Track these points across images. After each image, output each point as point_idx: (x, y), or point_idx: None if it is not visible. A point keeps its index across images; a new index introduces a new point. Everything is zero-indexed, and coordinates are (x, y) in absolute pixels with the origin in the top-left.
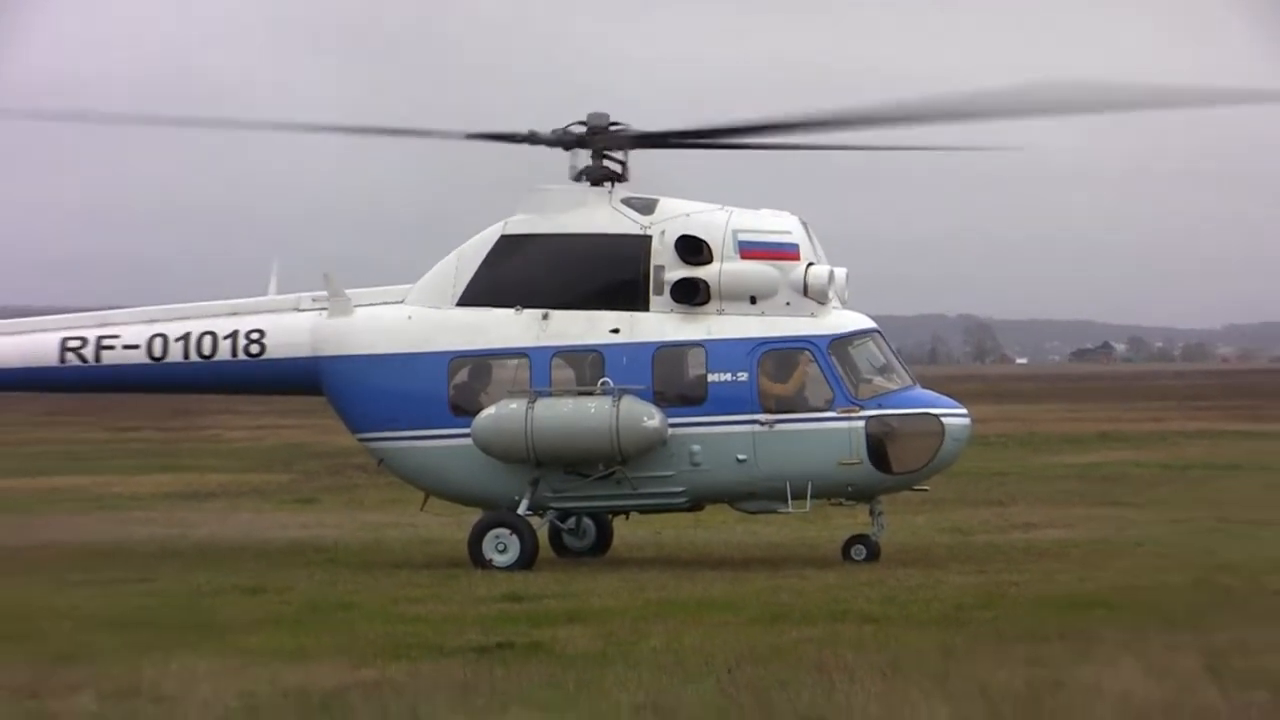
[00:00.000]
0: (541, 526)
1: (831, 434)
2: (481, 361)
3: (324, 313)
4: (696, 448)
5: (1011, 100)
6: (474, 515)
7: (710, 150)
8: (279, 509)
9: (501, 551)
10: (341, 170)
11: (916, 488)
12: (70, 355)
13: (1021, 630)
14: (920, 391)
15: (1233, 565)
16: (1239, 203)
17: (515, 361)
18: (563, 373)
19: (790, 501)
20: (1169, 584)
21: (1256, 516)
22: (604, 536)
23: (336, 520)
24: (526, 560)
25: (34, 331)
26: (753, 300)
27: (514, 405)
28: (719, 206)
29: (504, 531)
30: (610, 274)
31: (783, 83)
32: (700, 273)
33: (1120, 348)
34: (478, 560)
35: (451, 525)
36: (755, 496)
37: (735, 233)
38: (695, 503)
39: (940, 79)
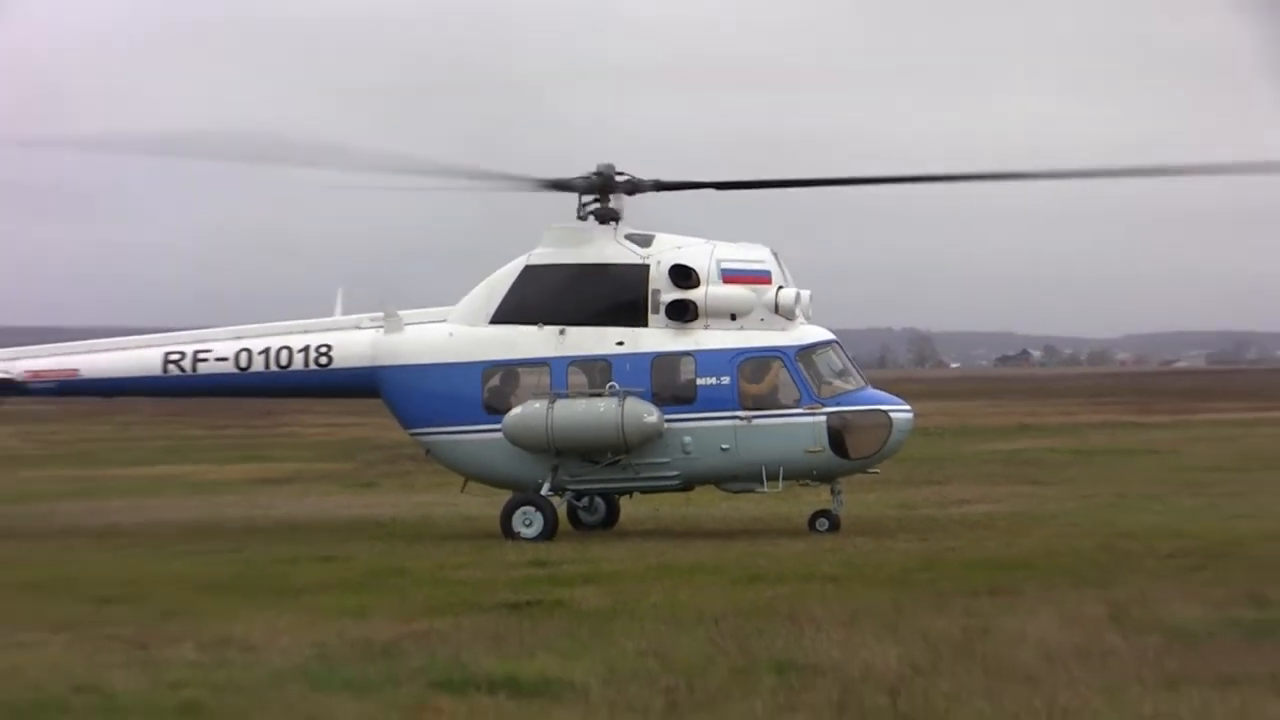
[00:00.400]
0: (561, 505)
1: (799, 427)
2: (510, 369)
3: (380, 330)
4: (688, 439)
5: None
6: (504, 496)
7: (696, 190)
8: (344, 492)
9: (528, 525)
10: (394, 211)
11: (869, 471)
12: (171, 366)
13: (957, 587)
14: (872, 391)
15: (1130, 532)
16: (1136, 231)
17: (538, 369)
18: (577, 378)
19: (765, 483)
20: (1079, 548)
21: (1149, 492)
22: (612, 513)
23: (392, 501)
24: (548, 533)
25: (141, 347)
26: (733, 317)
27: (537, 405)
28: (705, 240)
29: (530, 509)
30: (616, 296)
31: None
32: (690, 295)
33: (1036, 354)
34: (508, 533)
35: (486, 505)
36: (737, 479)
37: (719, 262)
38: (687, 484)
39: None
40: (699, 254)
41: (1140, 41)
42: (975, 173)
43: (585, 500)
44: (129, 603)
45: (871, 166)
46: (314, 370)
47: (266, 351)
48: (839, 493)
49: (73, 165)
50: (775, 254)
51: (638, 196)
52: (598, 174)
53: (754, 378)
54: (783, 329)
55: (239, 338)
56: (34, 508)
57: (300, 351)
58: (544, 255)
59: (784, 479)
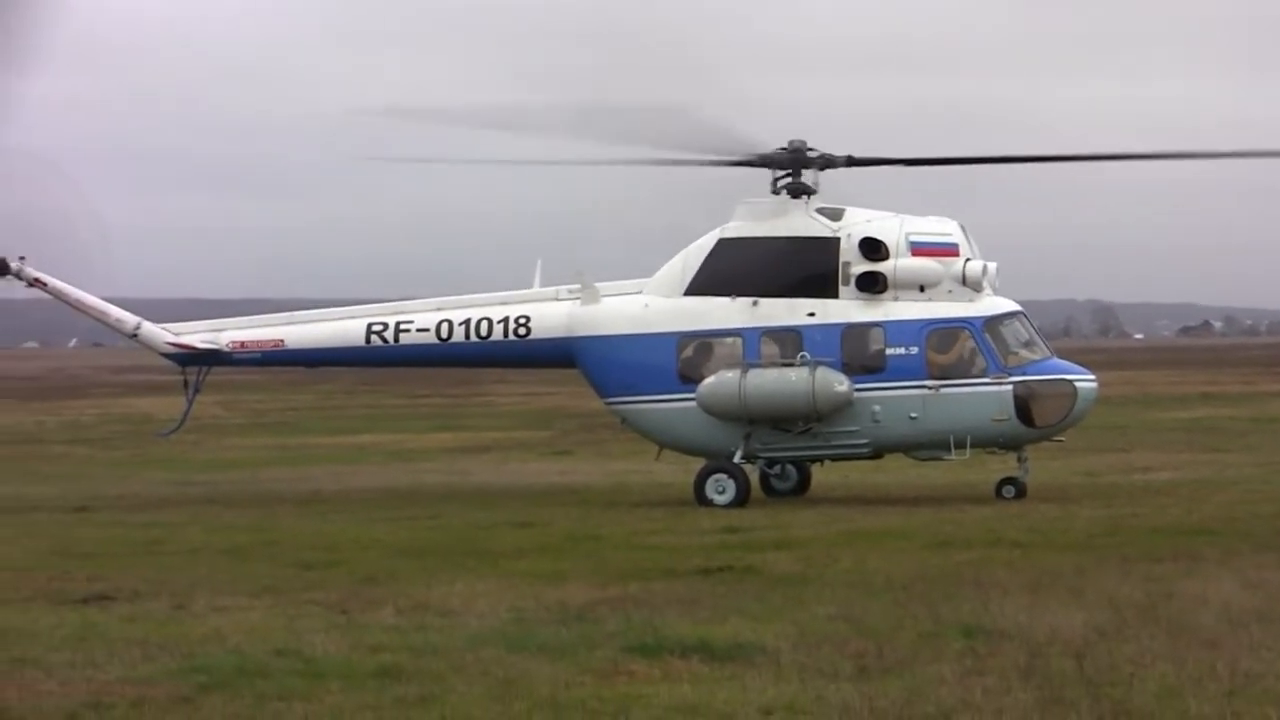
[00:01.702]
0: (753, 472)
1: (986, 396)
2: (704, 340)
3: (577, 302)
4: (877, 408)
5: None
6: (698, 464)
7: (888, 166)
8: (541, 459)
9: (720, 493)
10: (588, 188)
11: (1055, 439)
12: (374, 338)
13: (1140, 553)
14: (1057, 361)
15: None
16: None
17: (731, 339)
18: (769, 348)
19: (953, 450)
20: (1259, 514)
21: None
22: (804, 480)
23: (588, 468)
24: (741, 500)
25: (344, 319)
26: (921, 289)
27: (730, 375)
28: (894, 214)
29: (722, 476)
30: (807, 269)
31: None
32: (880, 267)
33: (1218, 325)
34: (701, 500)
35: (680, 472)
36: (925, 447)
37: (908, 235)
38: (877, 452)
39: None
40: (888, 227)
41: None
42: (1151, 152)
43: (777, 468)
44: (330, 568)
45: (1049, 145)
46: (513, 341)
47: (467, 323)
48: (1024, 460)
49: (271, 145)
50: (963, 227)
51: (832, 172)
52: (790, 150)
53: (942, 348)
54: (970, 300)
55: (440, 309)
56: (238, 475)
57: (500, 322)
58: (738, 229)
59: (971, 447)
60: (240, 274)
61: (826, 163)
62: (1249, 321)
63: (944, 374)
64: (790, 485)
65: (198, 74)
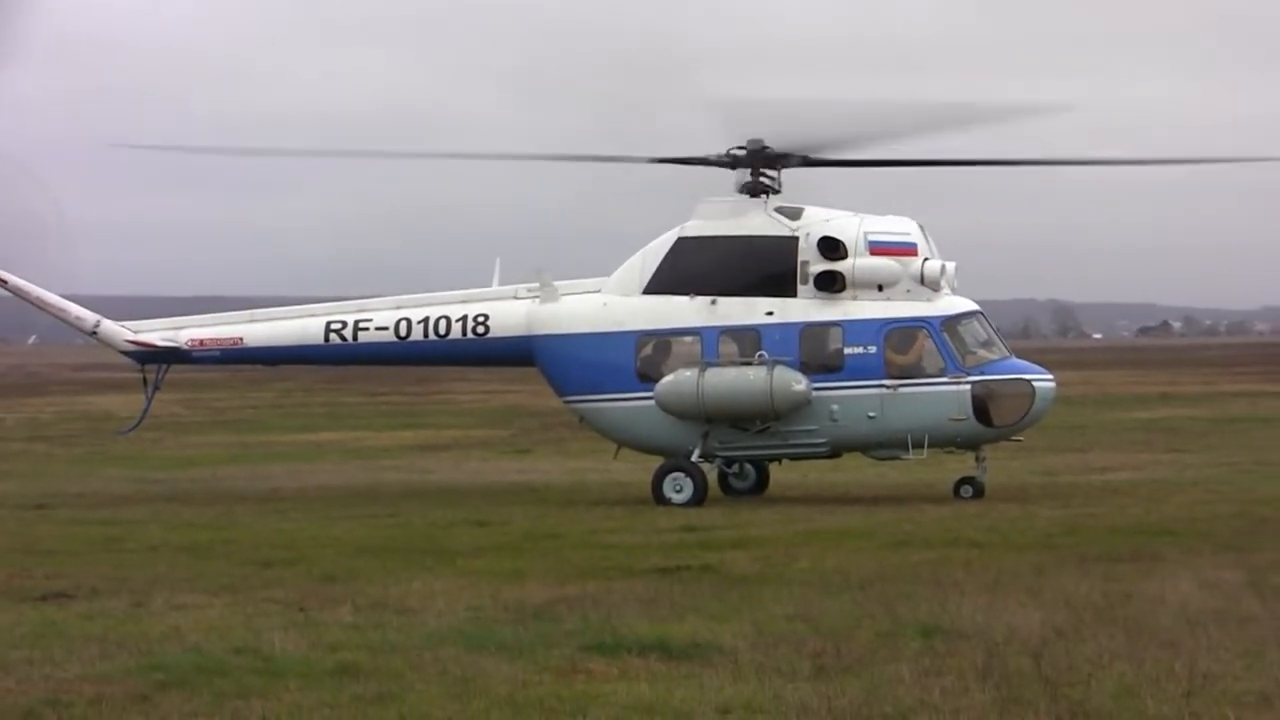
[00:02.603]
0: (711, 471)
1: (944, 396)
2: (663, 339)
3: (536, 300)
4: (835, 407)
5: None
6: (656, 462)
7: (845, 168)
8: (500, 458)
9: (678, 491)
10: (549, 189)
11: (1013, 438)
12: (333, 336)
13: (1099, 553)
14: (1015, 361)
15: (1269, 499)
16: (1270, 204)
17: (690, 338)
18: (728, 347)
19: (911, 450)
20: (1218, 514)
21: None
22: (762, 479)
23: (547, 467)
24: (698, 498)
25: (303, 317)
26: (880, 288)
27: (688, 373)
28: (853, 213)
29: (680, 475)
30: (766, 268)
31: None
32: (838, 266)
33: (1177, 325)
34: (659, 498)
35: (639, 470)
36: (883, 446)
37: (866, 234)
38: (834, 451)
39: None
40: (847, 226)
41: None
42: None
43: (736, 466)
44: (289, 566)
45: (1014, 148)
46: (471, 339)
47: (425, 321)
48: (982, 460)
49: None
50: (921, 227)
51: (794, 171)
52: (747, 149)
53: (900, 347)
54: (928, 300)
55: (399, 307)
56: (198, 473)
57: (458, 321)
58: (697, 227)
59: (929, 446)
60: (199, 272)
61: (782, 161)
62: (1208, 322)
63: (902, 373)
64: (748, 484)
65: (157, 70)
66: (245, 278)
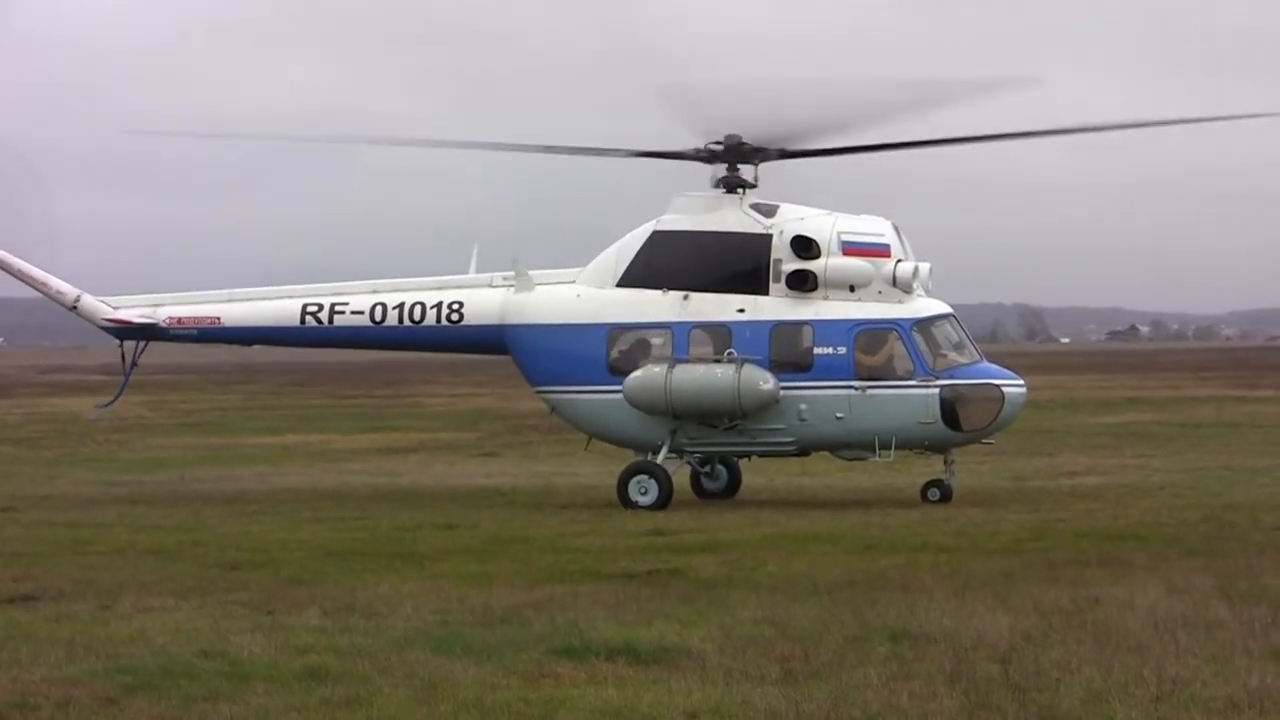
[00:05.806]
0: (678, 470)
1: (913, 399)
2: (633, 332)
3: (511, 289)
4: (804, 406)
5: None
6: (625, 464)
7: (822, 157)
8: (468, 461)
9: (643, 494)
10: (529, 182)
11: (982, 442)
12: (309, 318)
13: (1067, 558)
14: (985, 365)
15: (1236, 504)
16: (1235, 210)
17: (660, 333)
18: (698, 343)
19: (879, 452)
20: (1186, 520)
21: (1255, 465)
22: (734, 480)
23: (514, 470)
24: (663, 501)
25: (281, 299)
26: (852, 289)
27: (657, 369)
28: (827, 212)
29: (644, 477)
30: (739, 264)
31: None
32: (811, 265)
33: (1144, 330)
34: (625, 501)
35: (606, 474)
36: (850, 447)
37: (840, 234)
38: (802, 450)
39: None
40: (820, 225)
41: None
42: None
43: (708, 467)
44: (256, 569)
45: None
46: (445, 326)
47: (401, 306)
48: (951, 463)
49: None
50: (896, 228)
51: (781, 168)
52: (723, 143)
53: (870, 349)
54: (900, 302)
55: (375, 292)
56: (165, 475)
57: (433, 308)
58: (672, 222)
59: (896, 449)
60: (137, 274)
61: (759, 155)
62: (1176, 326)
63: (871, 375)
64: (720, 485)
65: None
66: (180, 280)
